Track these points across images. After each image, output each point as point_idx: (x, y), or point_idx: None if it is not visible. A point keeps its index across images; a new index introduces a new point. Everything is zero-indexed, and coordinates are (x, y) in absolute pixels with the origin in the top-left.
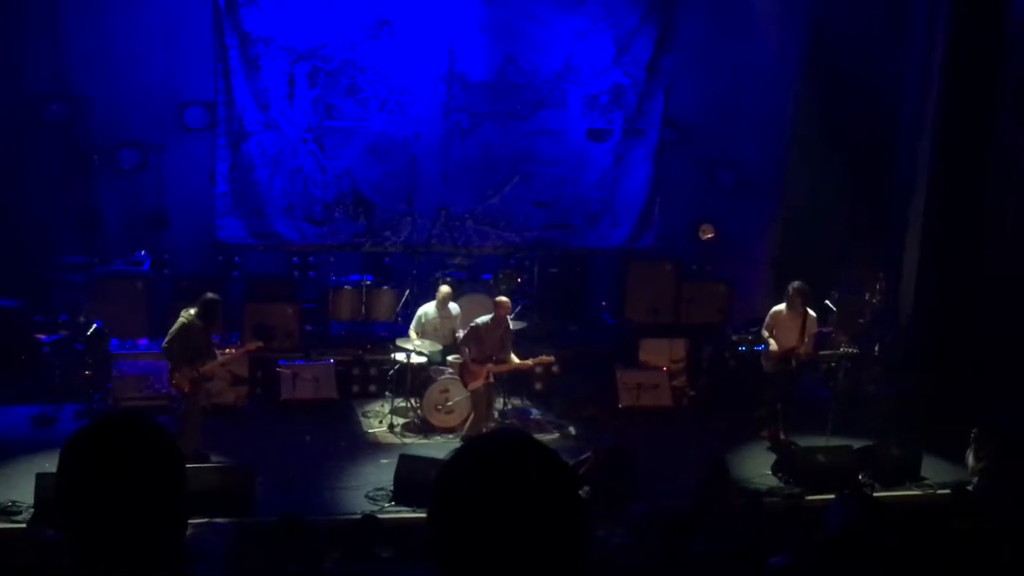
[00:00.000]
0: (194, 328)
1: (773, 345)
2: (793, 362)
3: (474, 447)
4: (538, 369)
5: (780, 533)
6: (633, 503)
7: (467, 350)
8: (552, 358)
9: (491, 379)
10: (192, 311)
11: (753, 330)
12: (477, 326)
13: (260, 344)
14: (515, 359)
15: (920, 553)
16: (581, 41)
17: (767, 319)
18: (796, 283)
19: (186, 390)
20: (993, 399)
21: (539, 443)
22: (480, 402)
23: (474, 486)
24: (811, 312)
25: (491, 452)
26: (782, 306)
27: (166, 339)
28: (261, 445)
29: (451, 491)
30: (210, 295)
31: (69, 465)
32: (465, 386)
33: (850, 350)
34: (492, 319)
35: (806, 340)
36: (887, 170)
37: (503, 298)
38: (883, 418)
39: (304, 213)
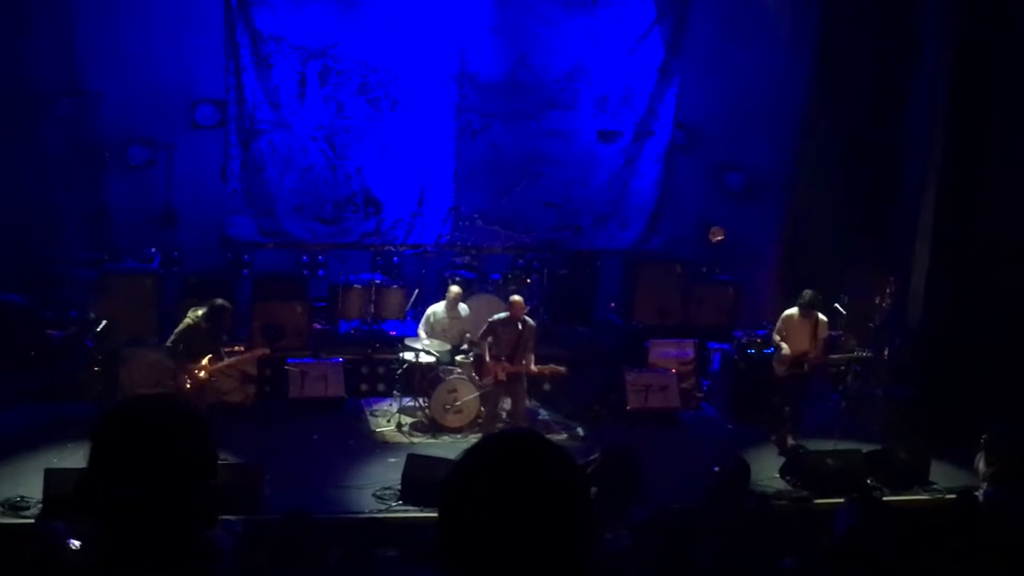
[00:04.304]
0: (199, 330)
1: (785, 349)
2: (805, 366)
3: (485, 447)
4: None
5: (788, 536)
6: (635, 506)
7: (485, 344)
8: (563, 369)
9: (503, 378)
10: (200, 312)
11: (762, 332)
12: (494, 322)
13: (267, 351)
14: (533, 366)
15: (926, 558)
16: (592, 42)
17: (779, 323)
18: (807, 293)
19: (187, 388)
20: (1003, 403)
21: (551, 443)
22: (490, 400)
23: (485, 486)
24: (822, 317)
25: (503, 452)
26: (794, 310)
27: (171, 338)
28: (269, 443)
29: (462, 490)
30: (219, 301)
31: (103, 445)
32: (480, 379)
33: (862, 354)
34: (507, 317)
35: (817, 345)
36: (897, 173)
37: (516, 297)
38: (892, 422)
39: (314, 212)
